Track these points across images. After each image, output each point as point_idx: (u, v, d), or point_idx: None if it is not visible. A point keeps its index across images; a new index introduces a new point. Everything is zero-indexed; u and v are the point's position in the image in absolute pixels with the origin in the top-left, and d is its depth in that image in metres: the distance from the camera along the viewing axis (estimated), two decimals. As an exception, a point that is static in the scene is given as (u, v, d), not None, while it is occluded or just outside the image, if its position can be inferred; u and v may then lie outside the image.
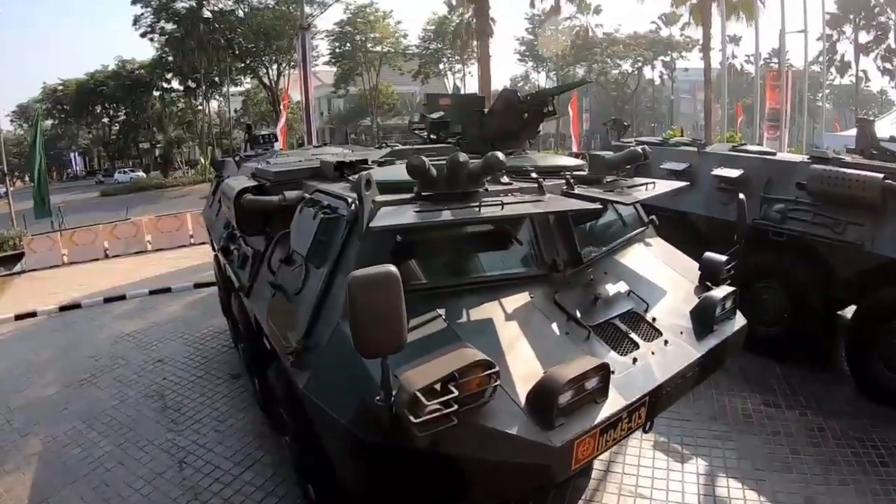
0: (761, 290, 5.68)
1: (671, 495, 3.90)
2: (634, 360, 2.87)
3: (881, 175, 4.73)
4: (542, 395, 2.38)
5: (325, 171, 4.07)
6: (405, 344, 2.09)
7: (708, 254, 3.77)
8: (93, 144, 56.48)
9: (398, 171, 3.37)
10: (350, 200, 3.06)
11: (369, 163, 4.09)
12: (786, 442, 4.41)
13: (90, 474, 4.53)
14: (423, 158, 2.79)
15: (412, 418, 2.05)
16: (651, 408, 2.82)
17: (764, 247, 5.54)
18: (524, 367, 2.57)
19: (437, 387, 2.15)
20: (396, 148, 4.65)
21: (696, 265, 3.86)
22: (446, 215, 2.65)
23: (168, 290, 9.82)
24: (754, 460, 4.21)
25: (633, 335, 3.01)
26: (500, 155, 2.80)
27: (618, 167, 3.60)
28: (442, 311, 2.75)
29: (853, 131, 11.84)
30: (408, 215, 2.66)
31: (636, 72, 55.86)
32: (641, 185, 3.68)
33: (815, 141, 22.85)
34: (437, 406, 2.08)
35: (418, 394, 2.06)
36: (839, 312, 5.83)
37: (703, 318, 3.29)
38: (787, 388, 5.21)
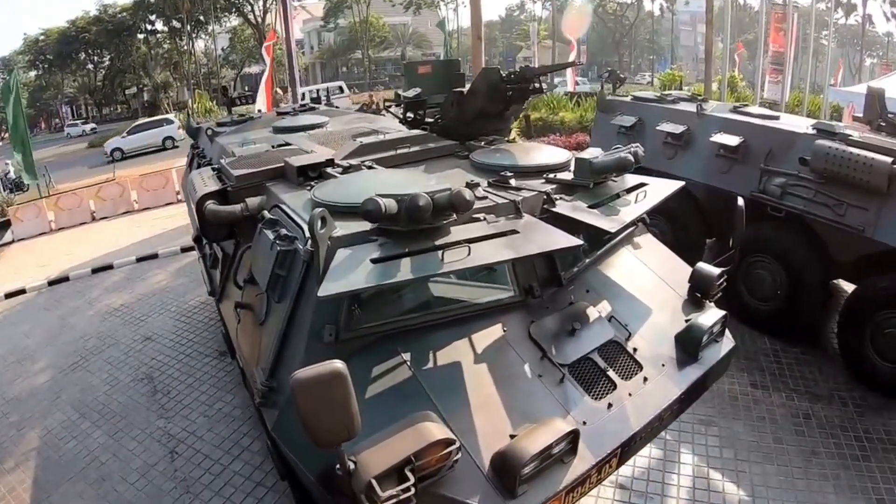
0: (756, 263, 5.51)
1: (651, 486, 3.92)
2: (609, 405, 2.73)
3: (889, 159, 4.43)
4: (506, 467, 2.28)
5: (288, 173, 3.81)
6: (359, 432, 1.98)
7: (700, 265, 3.55)
8: (79, 93, 54.68)
9: (362, 187, 3.11)
10: (307, 235, 2.77)
11: (334, 166, 3.81)
12: (770, 429, 4.40)
13: (86, 469, 4.57)
14: (378, 201, 2.50)
15: None
16: (622, 458, 2.74)
17: (761, 220, 5.34)
18: (491, 426, 2.46)
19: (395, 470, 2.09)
20: (366, 142, 4.31)
21: (684, 269, 3.66)
22: (405, 270, 2.42)
23: (155, 255, 9.71)
24: (737, 450, 4.21)
25: (611, 372, 2.86)
26: (468, 194, 2.54)
27: (605, 174, 3.38)
28: (407, 357, 2.62)
29: (861, 88, 11.27)
30: (362, 273, 2.40)
31: (635, 2, 53.75)
32: (631, 191, 3.42)
33: (818, 83, 22.09)
34: (394, 493, 2.00)
35: (373, 482, 1.98)
36: (833, 287, 5.72)
37: (689, 347, 3.12)
38: (776, 368, 5.16)
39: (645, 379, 2.91)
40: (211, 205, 3.61)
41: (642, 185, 3.45)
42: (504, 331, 2.84)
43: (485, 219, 2.85)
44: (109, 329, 7.06)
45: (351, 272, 2.38)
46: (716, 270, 3.45)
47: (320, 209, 2.48)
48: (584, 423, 2.58)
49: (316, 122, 5.63)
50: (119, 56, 48.36)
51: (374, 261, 2.46)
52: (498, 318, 2.88)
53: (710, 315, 3.22)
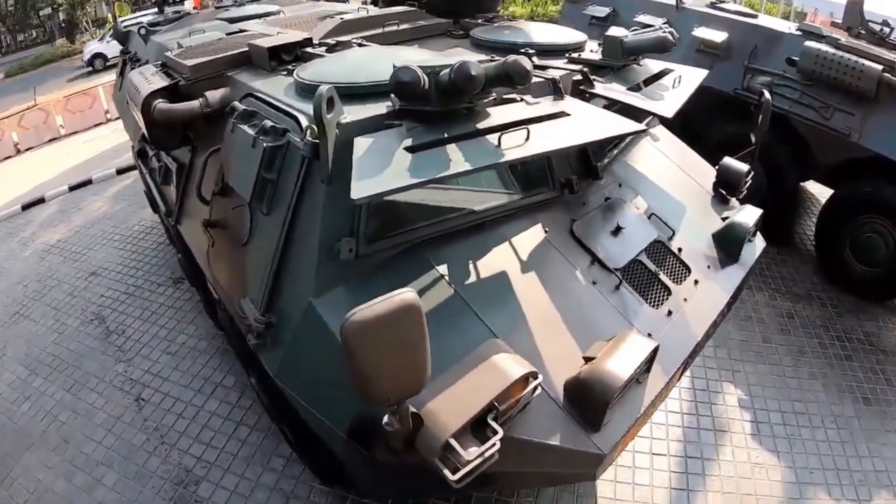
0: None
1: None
2: (669, 312, 2.37)
3: (880, 67, 4.24)
4: (591, 397, 1.86)
5: (255, 58, 3.05)
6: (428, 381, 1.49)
7: (727, 160, 3.17)
8: (-11, 21, 47.82)
9: (360, 65, 2.47)
10: (304, 123, 2.13)
11: (314, 46, 3.06)
12: (758, 329, 4.30)
13: (47, 432, 3.93)
14: (416, 70, 1.89)
15: (448, 473, 1.52)
16: (684, 370, 2.40)
17: (744, 119, 5.06)
18: (558, 348, 2.02)
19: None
20: (348, 18, 3.51)
21: (704, 164, 3.29)
22: (456, 160, 1.81)
23: (89, 181, 8.52)
24: (730, 349, 4.11)
25: (663, 276, 2.47)
26: (527, 63, 1.95)
27: (638, 54, 2.83)
28: (443, 270, 2.08)
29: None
30: (400, 167, 1.78)
31: None
32: (661, 74, 2.90)
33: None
34: (483, 452, 1.54)
35: (452, 441, 1.52)
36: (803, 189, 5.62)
37: (730, 247, 2.79)
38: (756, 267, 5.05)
39: (696, 282, 2.57)
40: (161, 104, 2.85)
41: (667, 70, 2.92)
42: (545, 232, 2.35)
43: (522, 99, 2.26)
44: (49, 269, 6.14)
45: (384, 166, 1.78)
46: (744, 166, 3.08)
47: (327, 87, 1.82)
48: (650, 334, 2.20)
49: (268, 10, 4.71)
50: (26, -27, 42.02)
51: (409, 150, 1.85)
52: (536, 217, 2.38)
53: (749, 213, 2.90)
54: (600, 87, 2.63)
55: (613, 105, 2.63)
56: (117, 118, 11.62)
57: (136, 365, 4.43)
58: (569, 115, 2.14)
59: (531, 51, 2.72)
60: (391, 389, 1.41)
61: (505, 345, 1.88)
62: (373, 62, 2.51)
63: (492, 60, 2.06)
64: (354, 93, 2.22)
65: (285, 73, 2.81)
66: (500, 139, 1.87)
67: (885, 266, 4.53)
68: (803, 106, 4.67)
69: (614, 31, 2.84)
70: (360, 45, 3.06)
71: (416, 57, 2.54)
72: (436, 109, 1.99)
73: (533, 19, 13.16)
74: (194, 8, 10.23)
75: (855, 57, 4.36)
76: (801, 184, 5.53)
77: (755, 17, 5.43)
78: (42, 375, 4.51)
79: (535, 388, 1.76)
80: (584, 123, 2.10)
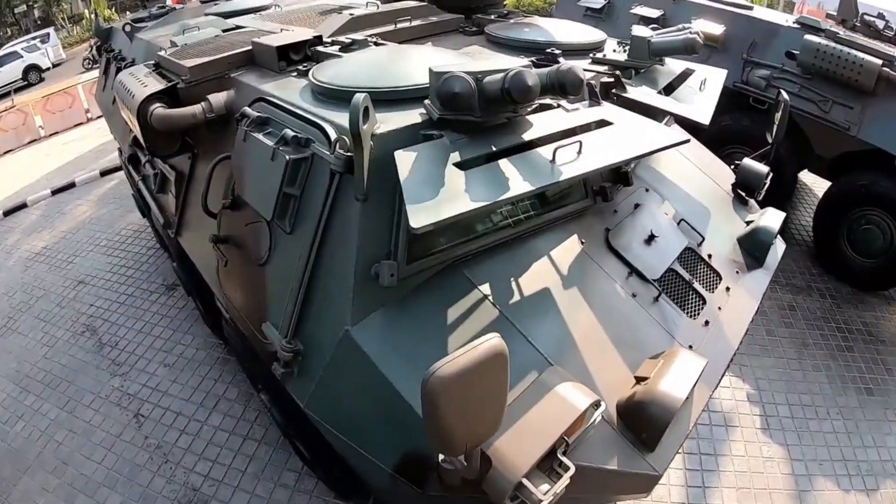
0: (733, 154, 5.15)
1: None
2: (706, 322, 2.30)
3: (879, 61, 4.25)
4: (648, 419, 1.78)
5: (260, 58, 2.81)
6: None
7: (747, 161, 3.09)
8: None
9: (384, 67, 2.28)
10: (332, 134, 1.93)
11: (325, 44, 2.83)
12: (761, 321, 4.28)
13: (43, 453, 3.74)
14: (467, 79, 1.72)
15: None
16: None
17: (743, 112, 5.03)
18: (608, 368, 1.93)
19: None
20: (358, 14, 3.28)
21: (718, 162, 3.22)
22: (514, 178, 1.64)
23: (72, 185, 8.20)
24: (736, 344, 4.10)
25: (697, 284, 2.40)
26: (579, 71, 1.80)
27: (664, 55, 2.72)
28: (486, 289, 1.94)
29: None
30: (455, 187, 1.59)
31: None
32: (684, 76, 2.81)
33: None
34: (557, 490, 1.47)
35: (525, 482, 1.43)
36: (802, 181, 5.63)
37: (756, 251, 2.72)
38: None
39: (727, 289, 2.50)
40: (159, 109, 2.63)
41: (689, 70, 2.81)
42: (582, 243, 2.24)
43: (559, 105, 2.10)
44: (35, 278, 5.88)
45: (438, 187, 1.60)
46: (764, 168, 3.00)
47: (362, 95, 1.62)
48: (691, 346, 2.13)
49: (260, 4, 4.48)
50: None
51: (459, 166, 1.69)
52: (570, 228, 2.26)
53: (774, 217, 2.82)
54: (633, 92, 2.51)
55: (635, 107, 2.54)
56: (98, 117, 11.31)
57: (133, 379, 4.25)
58: (611, 123, 2.01)
59: (557, 51, 2.59)
60: (468, 437, 1.32)
61: (565, 372, 1.79)
62: (396, 63, 2.34)
63: (537, 65, 1.91)
64: (382, 98, 2.05)
65: (295, 74, 2.61)
66: (555, 154, 1.74)
67: (883, 256, 4.56)
68: (803, 99, 4.64)
69: (639, 30, 2.73)
70: (375, 43, 2.86)
71: (442, 59, 2.39)
72: (480, 120, 1.83)
73: (520, 9, 12.98)
74: (174, 3, 9.96)
75: (855, 51, 4.35)
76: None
77: (751, 8, 5.39)
78: (34, 392, 4.30)
79: (599, 416, 1.69)
80: (631, 133, 1.98)
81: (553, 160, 1.73)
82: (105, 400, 4.10)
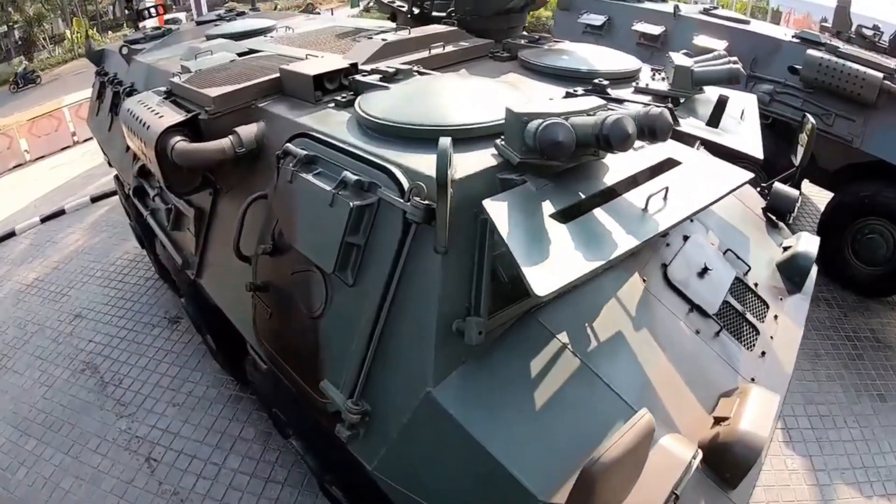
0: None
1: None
2: (763, 353, 2.26)
3: (881, 75, 4.33)
4: (736, 463, 1.75)
5: (291, 86, 2.61)
6: None
7: (779, 185, 3.08)
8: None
9: (442, 102, 2.12)
10: (404, 181, 1.78)
11: (363, 73, 2.61)
12: (775, 336, 4.32)
13: (49, 502, 3.51)
14: (569, 127, 1.60)
15: None
16: None
17: None
18: (686, 409, 1.88)
19: None
20: (391, 40, 3.10)
21: (747, 187, 3.21)
22: (619, 234, 1.56)
23: (62, 212, 7.92)
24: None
25: (749, 315, 2.35)
26: (668, 115, 1.69)
27: (707, 84, 2.67)
28: (564, 338, 1.84)
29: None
30: (566, 249, 1.48)
31: None
32: (721, 104, 2.69)
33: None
34: None
35: None
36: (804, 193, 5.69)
37: (796, 277, 2.69)
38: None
39: (775, 317, 2.46)
40: (182, 144, 2.42)
41: (724, 97, 2.71)
42: (643, 281, 2.16)
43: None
44: (28, 312, 5.61)
45: (544, 245, 1.47)
46: (794, 191, 2.99)
47: (447, 139, 1.46)
48: (753, 379, 2.09)
49: (263, 25, 4.28)
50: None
51: (555, 217, 1.57)
52: (630, 265, 2.17)
53: (810, 242, 2.79)
54: (685, 125, 2.44)
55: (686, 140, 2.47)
56: (85, 140, 11.00)
57: (141, 420, 4.05)
58: (679, 162, 1.93)
59: (605, 81, 2.50)
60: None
61: (653, 419, 1.71)
62: (454, 98, 2.19)
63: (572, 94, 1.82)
64: (436, 133, 1.89)
65: (333, 105, 2.42)
66: (647, 202, 1.66)
67: (886, 264, 4.66)
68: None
69: (679, 59, 2.66)
70: (419, 72, 2.70)
71: (504, 94, 2.26)
72: (564, 165, 1.72)
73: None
74: (160, 23, 9.73)
75: (856, 65, 4.42)
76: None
77: (748, 22, 5.45)
78: (35, 436, 4.07)
79: (697, 464, 1.65)
80: (702, 174, 1.90)
81: (645, 208, 1.66)
82: (112, 443, 3.90)
